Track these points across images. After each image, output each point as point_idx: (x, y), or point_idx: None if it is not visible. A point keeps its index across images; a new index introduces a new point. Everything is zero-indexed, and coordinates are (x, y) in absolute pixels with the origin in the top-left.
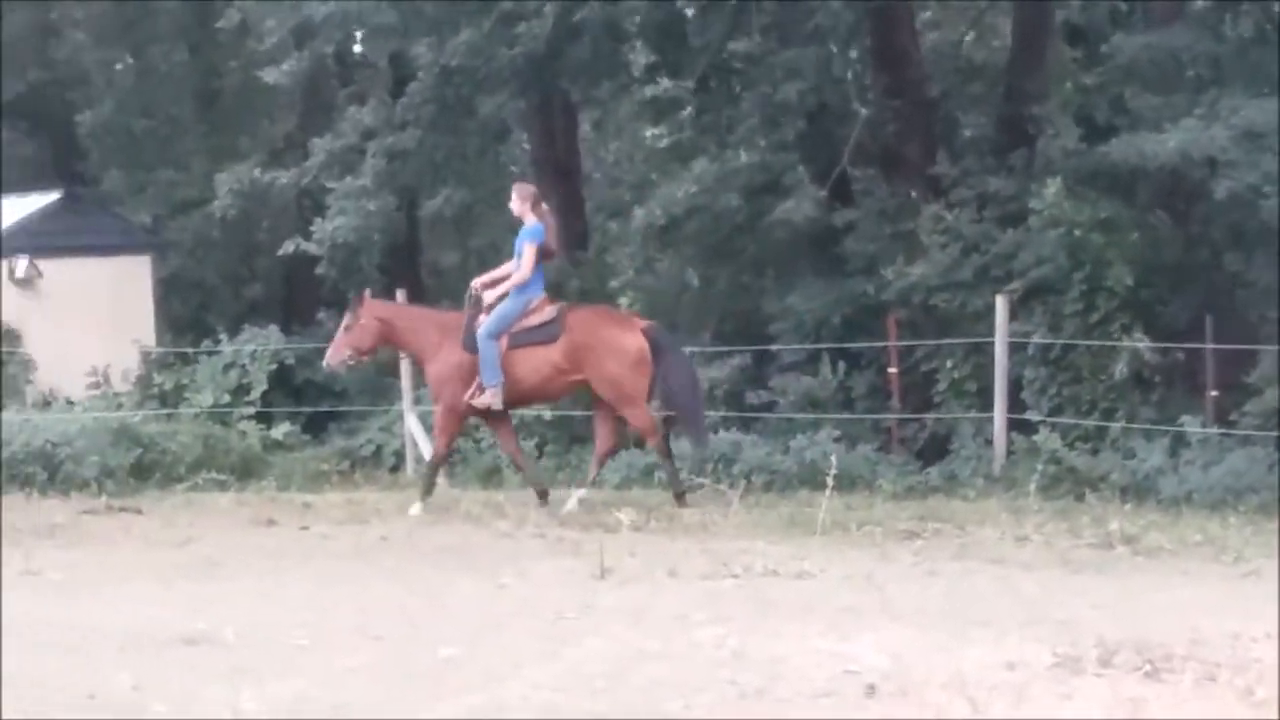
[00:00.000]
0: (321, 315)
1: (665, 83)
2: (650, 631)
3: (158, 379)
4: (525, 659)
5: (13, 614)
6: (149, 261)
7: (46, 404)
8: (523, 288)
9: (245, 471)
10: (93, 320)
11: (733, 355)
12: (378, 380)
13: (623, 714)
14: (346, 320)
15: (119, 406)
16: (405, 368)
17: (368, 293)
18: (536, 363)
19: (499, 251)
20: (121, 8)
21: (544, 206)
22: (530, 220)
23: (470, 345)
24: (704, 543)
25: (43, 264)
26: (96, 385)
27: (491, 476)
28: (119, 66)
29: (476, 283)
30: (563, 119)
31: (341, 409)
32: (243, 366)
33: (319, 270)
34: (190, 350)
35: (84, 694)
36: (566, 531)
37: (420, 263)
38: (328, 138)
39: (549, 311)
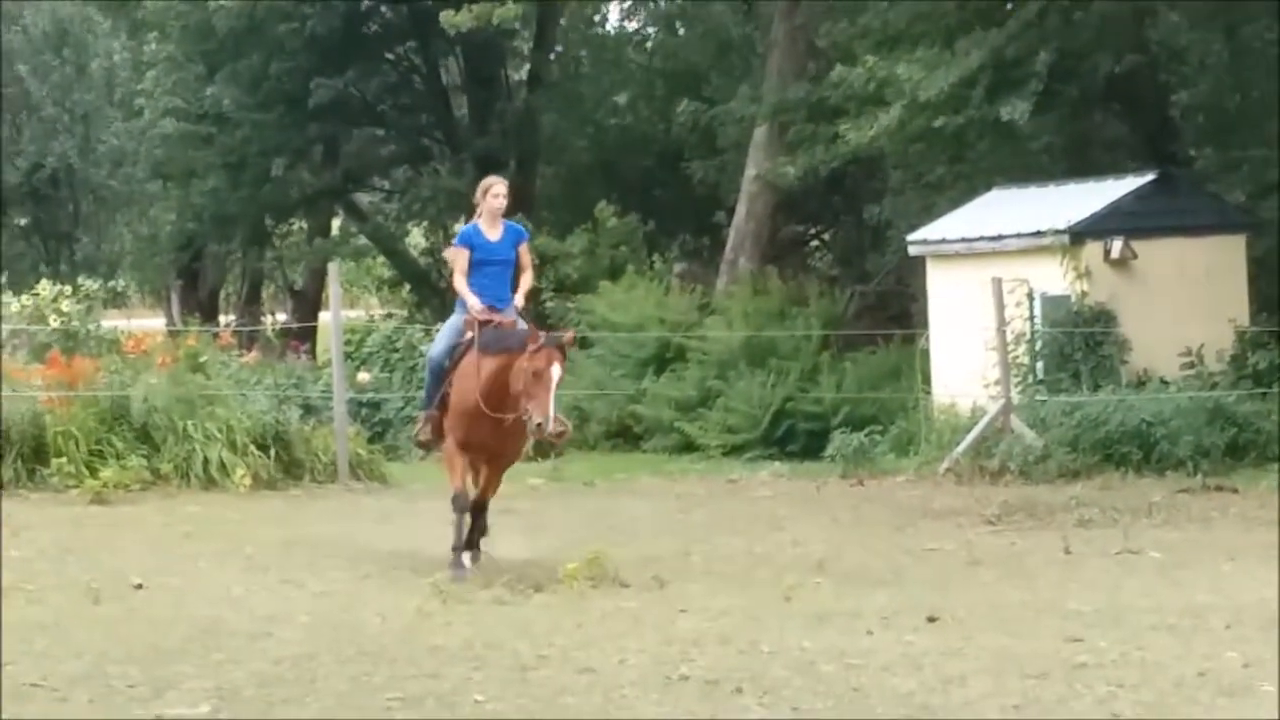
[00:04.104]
0: None
1: None
2: None
3: (1252, 358)
4: None
5: (1119, 592)
6: (1243, 241)
7: (1141, 384)
8: None
9: None
10: (1186, 300)
11: None
12: None
13: None
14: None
15: (1213, 386)
16: None
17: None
18: None
19: None
20: None
21: None
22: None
23: None
24: None
25: (1137, 245)
26: (1190, 365)
27: None
28: (1214, 46)
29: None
30: None
31: None
32: None
33: None
34: None
35: (1193, 672)
36: None
37: None
38: None
39: None
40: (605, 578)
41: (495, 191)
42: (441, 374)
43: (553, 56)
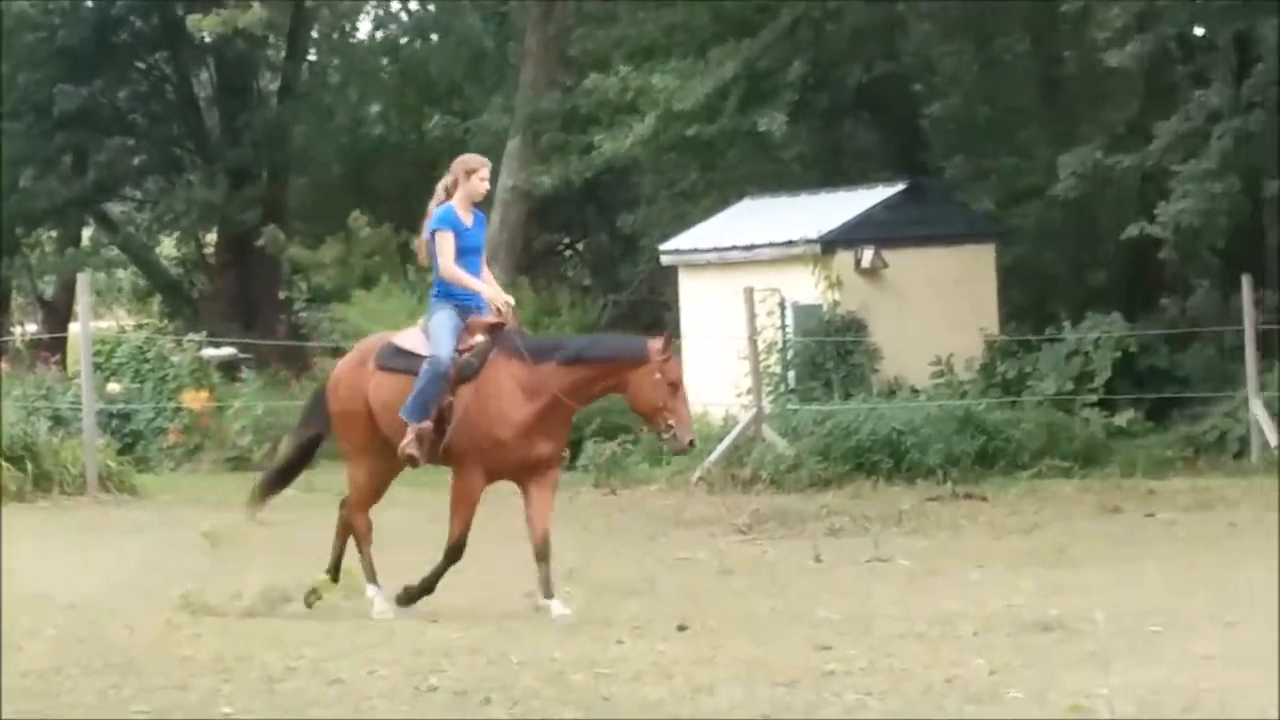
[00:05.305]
0: (1165, 301)
1: None
2: None
3: (1001, 367)
4: None
5: (869, 600)
6: (992, 250)
7: (892, 393)
8: None
9: (1089, 459)
10: (936, 309)
11: None
12: (1222, 366)
13: None
14: None
15: (963, 395)
16: (1250, 353)
17: None
18: None
19: None
20: (968, 3)
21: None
22: None
23: None
24: None
25: (887, 254)
26: (940, 374)
27: None
28: (965, 58)
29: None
30: None
31: (1185, 395)
32: (1086, 354)
33: (1161, 254)
34: (1033, 338)
35: (941, 679)
36: None
37: (1264, 247)
38: (1173, 120)
39: None
40: (356, 589)
41: (482, 175)
42: (445, 381)
43: (305, 66)
